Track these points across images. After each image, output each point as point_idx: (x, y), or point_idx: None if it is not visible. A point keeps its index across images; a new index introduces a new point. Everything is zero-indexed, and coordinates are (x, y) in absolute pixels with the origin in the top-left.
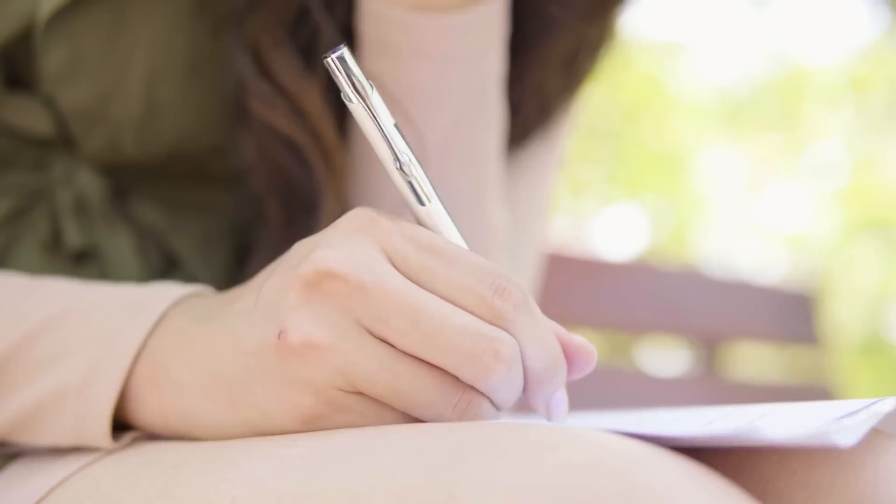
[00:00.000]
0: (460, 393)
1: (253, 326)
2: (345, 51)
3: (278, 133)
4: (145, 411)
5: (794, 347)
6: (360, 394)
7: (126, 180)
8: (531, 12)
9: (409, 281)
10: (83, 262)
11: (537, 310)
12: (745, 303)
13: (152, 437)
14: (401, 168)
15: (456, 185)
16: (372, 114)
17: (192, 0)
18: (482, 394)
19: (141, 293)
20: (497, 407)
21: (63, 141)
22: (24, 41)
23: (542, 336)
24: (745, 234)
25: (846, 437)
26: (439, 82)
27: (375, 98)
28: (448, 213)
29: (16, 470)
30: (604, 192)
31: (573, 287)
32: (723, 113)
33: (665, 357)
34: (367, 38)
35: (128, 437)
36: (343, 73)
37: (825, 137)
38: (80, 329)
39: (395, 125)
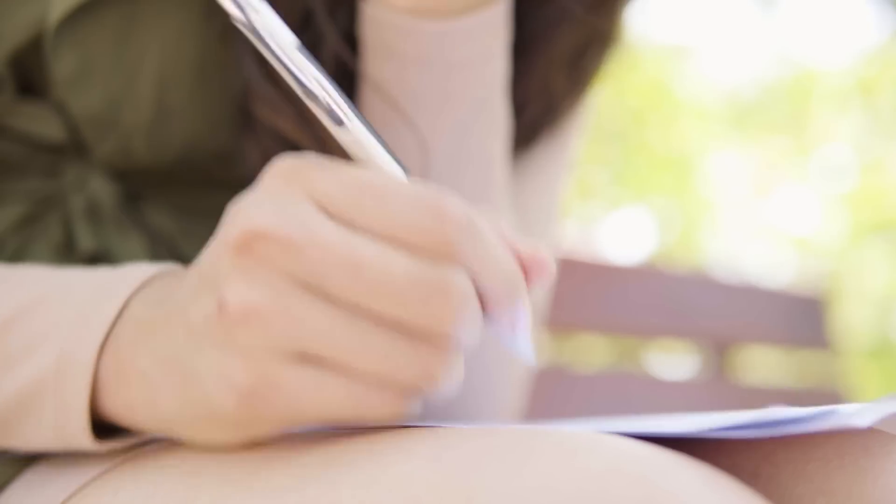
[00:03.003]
0: (422, 361)
1: (195, 303)
2: None
3: (284, 139)
4: (115, 405)
5: (804, 351)
6: (300, 365)
7: (138, 186)
8: (534, 9)
9: (342, 229)
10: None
11: (484, 224)
12: (754, 306)
13: (172, 443)
14: (305, 90)
15: (462, 190)
16: (257, 33)
17: (201, 4)
18: (444, 348)
19: (108, 277)
20: (463, 344)
21: (75, 147)
22: (34, 48)
23: (493, 254)
24: (754, 237)
25: (861, 418)
26: (443, 88)
27: (266, 13)
28: (376, 133)
29: (32, 476)
30: (611, 196)
31: (581, 291)
32: (730, 116)
33: (674, 361)
34: (370, 44)
35: (128, 440)
36: None
37: (833, 140)
38: (51, 316)
39: (300, 46)
